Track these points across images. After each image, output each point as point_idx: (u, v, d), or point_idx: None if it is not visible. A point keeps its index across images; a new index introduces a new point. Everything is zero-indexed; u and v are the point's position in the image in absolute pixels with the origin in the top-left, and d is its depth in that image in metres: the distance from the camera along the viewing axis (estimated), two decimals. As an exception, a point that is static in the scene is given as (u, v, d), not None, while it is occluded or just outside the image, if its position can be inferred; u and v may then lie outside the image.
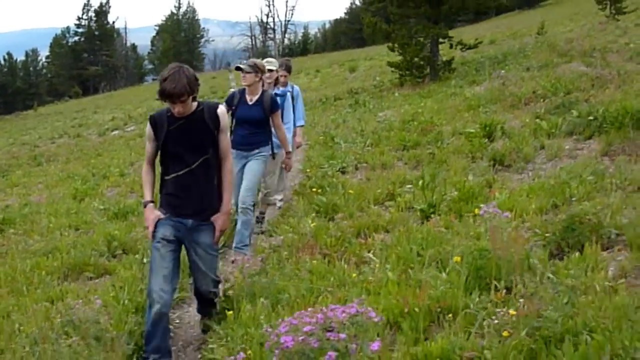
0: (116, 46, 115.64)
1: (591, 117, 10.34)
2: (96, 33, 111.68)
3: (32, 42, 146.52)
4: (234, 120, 8.64)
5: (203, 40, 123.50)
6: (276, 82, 9.78)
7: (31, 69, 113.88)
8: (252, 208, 8.48)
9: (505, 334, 4.09)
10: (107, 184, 16.88)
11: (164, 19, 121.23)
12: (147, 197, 5.80)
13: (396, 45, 27.62)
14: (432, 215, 7.90)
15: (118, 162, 20.96)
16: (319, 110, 26.22)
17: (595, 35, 27.67)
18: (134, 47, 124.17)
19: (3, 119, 70.61)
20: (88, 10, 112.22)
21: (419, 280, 5.30)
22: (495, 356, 4.00)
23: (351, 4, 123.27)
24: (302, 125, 11.05)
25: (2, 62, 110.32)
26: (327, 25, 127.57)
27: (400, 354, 4.36)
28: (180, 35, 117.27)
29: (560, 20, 47.86)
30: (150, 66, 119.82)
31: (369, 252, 6.96)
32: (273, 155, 8.86)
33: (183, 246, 5.81)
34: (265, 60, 9.46)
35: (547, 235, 6.13)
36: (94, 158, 25.01)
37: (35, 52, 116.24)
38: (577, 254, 5.41)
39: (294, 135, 10.35)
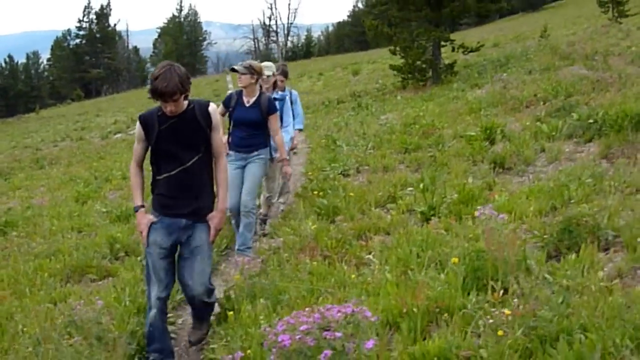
0: (118, 49, 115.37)
1: (591, 120, 10.38)
2: (97, 35, 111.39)
3: (33, 44, 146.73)
4: (231, 122, 8.63)
5: (205, 43, 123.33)
6: (274, 87, 9.75)
7: (32, 71, 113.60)
8: (254, 211, 8.49)
9: (500, 333, 4.15)
10: (109, 187, 16.92)
11: (166, 21, 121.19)
12: (138, 201, 5.71)
13: (398, 48, 27.67)
14: (432, 218, 7.95)
15: (120, 165, 20.98)
16: (321, 114, 26.28)
17: (597, 38, 27.68)
18: (136, 49, 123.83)
19: (5, 122, 70.61)
20: (89, 12, 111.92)
21: (418, 281, 5.34)
22: (491, 355, 4.05)
23: (354, 6, 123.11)
24: (300, 129, 11.08)
25: (3, 64, 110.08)
26: (330, 28, 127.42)
27: (398, 353, 4.42)
28: (183, 38, 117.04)
29: (564, 23, 47.90)
30: (153, 69, 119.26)
31: (369, 253, 7.01)
32: (272, 159, 8.87)
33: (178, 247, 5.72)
34: (262, 64, 9.44)
35: (545, 237, 6.18)
36: (96, 161, 25.03)
37: (36, 54, 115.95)
38: (574, 255, 5.46)
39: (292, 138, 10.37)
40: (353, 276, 6.20)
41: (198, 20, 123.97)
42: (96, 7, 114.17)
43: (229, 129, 8.67)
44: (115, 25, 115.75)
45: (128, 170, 6.22)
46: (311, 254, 7.28)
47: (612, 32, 29.13)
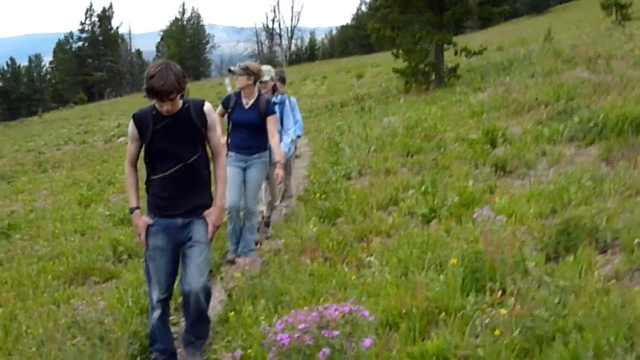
0: (121, 52, 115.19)
1: (592, 124, 10.39)
2: (100, 38, 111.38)
3: (34, 47, 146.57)
4: (230, 123, 8.59)
5: (209, 46, 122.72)
6: (274, 91, 9.72)
7: (35, 74, 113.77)
8: (256, 214, 8.53)
9: (496, 332, 4.19)
10: (112, 190, 16.97)
11: (169, 24, 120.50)
12: (133, 203, 5.64)
13: (401, 51, 27.68)
14: (433, 220, 7.99)
15: (123, 169, 20.96)
16: (325, 117, 26.34)
17: (601, 41, 27.61)
18: (139, 53, 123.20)
19: (8, 126, 70.66)
20: (91, 15, 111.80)
21: (417, 282, 5.38)
22: (488, 354, 4.10)
23: (357, 9, 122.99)
24: (299, 136, 11.11)
25: (5, 67, 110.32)
26: (334, 32, 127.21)
27: (396, 351, 4.47)
28: (186, 41, 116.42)
29: (567, 26, 47.87)
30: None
31: (370, 255, 7.05)
32: (272, 164, 8.74)
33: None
34: (261, 67, 9.39)
35: (544, 239, 6.23)
36: (99, 164, 25.09)
37: (38, 57, 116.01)
38: (572, 256, 5.51)
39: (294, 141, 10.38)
40: (353, 277, 6.25)
41: (201, 23, 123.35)
42: (98, 9, 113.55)
43: (227, 129, 8.67)
44: (117, 28, 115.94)
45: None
46: (312, 256, 7.33)
47: (616, 35, 29.06)
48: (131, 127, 5.53)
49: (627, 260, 5.43)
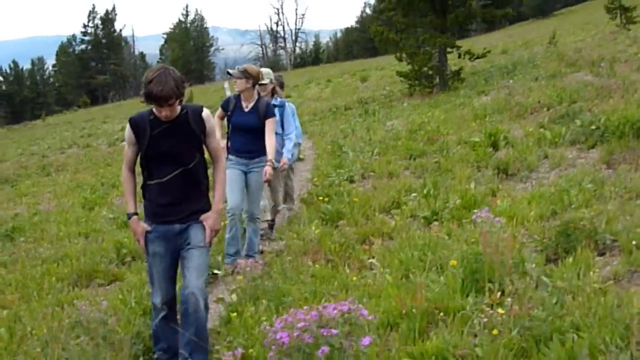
0: (124, 55, 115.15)
1: (593, 127, 10.45)
2: (103, 41, 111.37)
3: (37, 50, 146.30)
4: (230, 126, 8.54)
5: (212, 49, 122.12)
6: (273, 94, 9.62)
7: (38, 77, 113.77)
8: (259, 217, 8.55)
9: (495, 332, 4.23)
10: (116, 193, 16.99)
11: (172, 27, 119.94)
12: (131, 208, 5.52)
13: (404, 54, 27.70)
14: (435, 222, 8.02)
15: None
16: (328, 120, 26.35)
17: (605, 44, 27.68)
18: (142, 55, 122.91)
19: (11, 129, 70.74)
20: (94, 17, 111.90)
21: (417, 284, 5.41)
22: (486, 353, 4.14)
23: (362, 12, 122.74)
24: (299, 144, 11.05)
25: (8, 70, 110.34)
26: (339, 34, 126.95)
27: (395, 350, 4.52)
28: (189, 44, 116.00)
29: (572, 29, 47.92)
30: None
31: (372, 257, 7.09)
32: (274, 169, 8.62)
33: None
34: (260, 70, 9.31)
35: (544, 240, 6.27)
36: (103, 168, 25.07)
37: (41, 60, 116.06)
38: (571, 258, 5.54)
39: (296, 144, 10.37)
40: (355, 279, 6.28)
41: (205, 26, 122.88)
42: (101, 12, 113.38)
43: (227, 133, 8.64)
44: (120, 30, 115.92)
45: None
46: (314, 258, 7.36)
47: (620, 39, 29.11)
48: (128, 131, 5.42)
49: (625, 262, 5.48)
